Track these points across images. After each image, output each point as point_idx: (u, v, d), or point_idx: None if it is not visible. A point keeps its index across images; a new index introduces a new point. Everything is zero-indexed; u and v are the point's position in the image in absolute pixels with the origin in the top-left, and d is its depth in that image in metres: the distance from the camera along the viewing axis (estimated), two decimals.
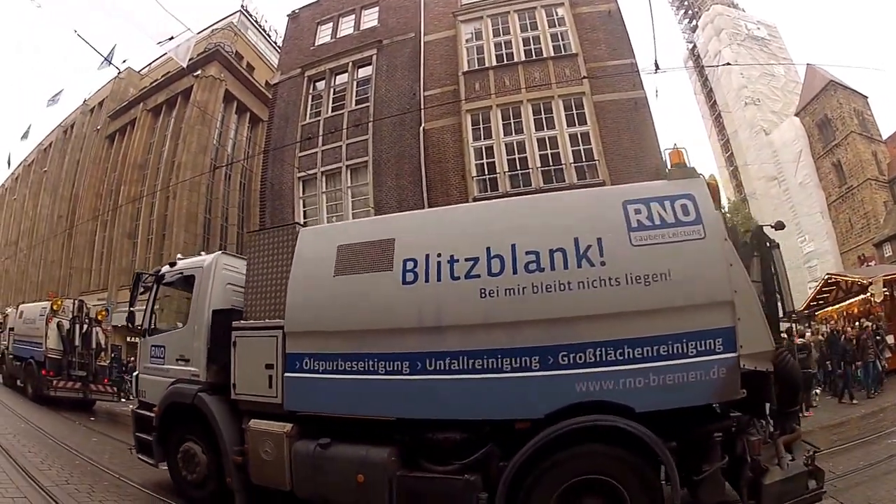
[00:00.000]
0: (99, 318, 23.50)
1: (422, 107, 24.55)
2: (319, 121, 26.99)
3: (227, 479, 8.78)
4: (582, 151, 21.80)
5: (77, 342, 21.75)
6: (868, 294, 24.56)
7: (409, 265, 7.61)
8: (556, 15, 24.67)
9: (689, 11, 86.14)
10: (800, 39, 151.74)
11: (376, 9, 28.98)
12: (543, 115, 22.61)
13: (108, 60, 20.77)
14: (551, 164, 21.73)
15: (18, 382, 22.95)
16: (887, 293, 23.44)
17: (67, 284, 46.45)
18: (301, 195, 26.26)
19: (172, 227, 39.63)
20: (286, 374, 8.28)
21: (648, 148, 22.02)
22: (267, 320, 8.70)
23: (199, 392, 9.29)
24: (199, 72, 40.13)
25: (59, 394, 20.45)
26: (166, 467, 9.89)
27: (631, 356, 6.60)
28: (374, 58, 27.12)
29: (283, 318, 8.46)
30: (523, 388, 6.87)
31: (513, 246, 7.20)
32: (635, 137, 22.12)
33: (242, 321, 9.05)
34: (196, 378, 9.55)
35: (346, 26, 29.43)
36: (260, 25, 55.73)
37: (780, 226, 9.57)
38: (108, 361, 23.99)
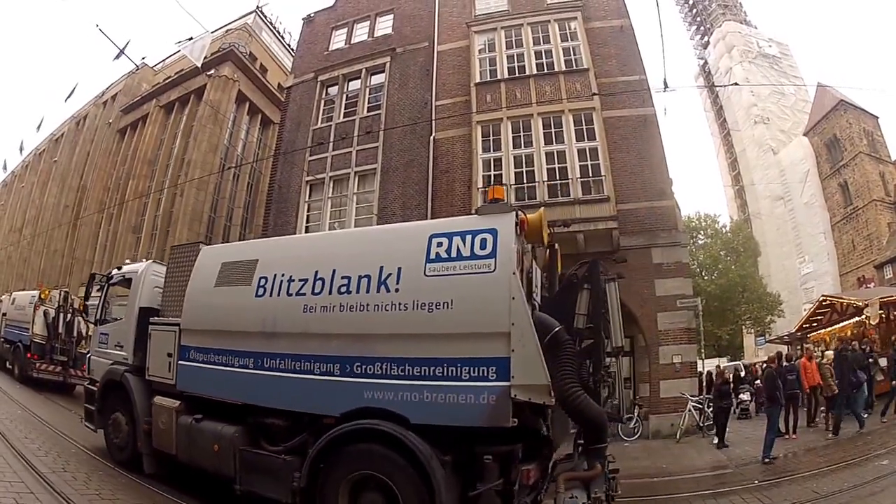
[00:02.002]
0: (81, 308, 24.18)
1: (433, 117, 24.69)
2: (331, 126, 27.13)
3: (138, 443, 10.76)
4: (589, 167, 21.69)
5: (61, 330, 23.18)
6: (863, 316, 24.60)
7: (262, 282, 9.18)
8: (569, 29, 24.59)
9: (702, 28, 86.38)
10: (811, 58, 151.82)
11: (391, 16, 29.13)
12: (553, 129, 22.50)
13: (122, 52, 21.01)
14: (558, 178, 21.70)
15: (7, 364, 24.93)
16: (883, 315, 23.50)
17: (69, 275, 46.66)
18: (307, 199, 26.42)
19: (177, 224, 39.77)
20: (179, 362, 10.15)
21: (656, 165, 22.18)
22: (171, 318, 10.70)
23: (125, 372, 11.44)
24: (212, 71, 40.21)
25: (42, 376, 22.30)
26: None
27: (410, 373, 7.49)
28: (388, 65, 27.28)
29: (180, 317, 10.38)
30: (326, 390, 8.08)
31: (333, 270, 8.41)
32: (643, 154, 22.19)
33: (157, 318, 11.21)
34: (126, 361, 11.67)
35: (361, 32, 29.58)
36: (274, 27, 55.74)
37: (621, 259, 10.06)
38: (88, 349, 24.93)
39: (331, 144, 26.47)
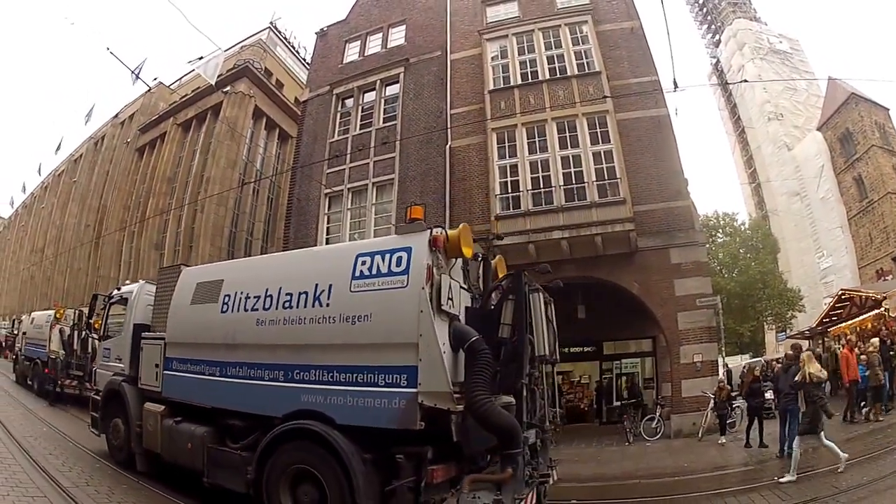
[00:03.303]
0: (96, 326, 24.97)
1: (448, 125, 24.83)
2: (348, 138, 27.34)
3: (132, 444, 12.03)
4: (605, 169, 21.78)
5: (76, 346, 24.07)
6: (882, 309, 24.58)
7: (226, 299, 10.24)
8: (580, 32, 24.63)
9: (712, 26, 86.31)
10: (821, 51, 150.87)
11: (403, 27, 29.34)
12: (568, 134, 22.56)
13: (136, 75, 21.35)
14: (574, 182, 21.76)
15: (28, 380, 26.81)
16: None
17: (93, 293, 46.83)
18: (326, 211, 26.62)
19: (199, 239, 39.83)
20: (164, 371, 11.41)
21: (671, 166, 22.29)
22: (159, 332, 11.86)
23: (122, 382, 12.83)
24: (228, 88, 40.51)
25: (59, 390, 23.38)
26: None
27: (337, 379, 8.44)
28: (402, 76, 27.46)
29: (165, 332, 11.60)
30: (273, 393, 9.12)
31: (279, 288, 9.40)
32: (658, 155, 22.25)
33: (148, 333, 12.47)
34: (124, 372, 13.05)
35: (374, 44, 29.83)
36: (289, 42, 55.88)
37: (544, 269, 10.54)
38: None
39: (348, 156, 26.71)
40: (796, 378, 13.34)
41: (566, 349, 27.16)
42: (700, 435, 18.97)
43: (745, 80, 57.22)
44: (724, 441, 17.86)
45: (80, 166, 61.86)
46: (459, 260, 9.07)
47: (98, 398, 13.78)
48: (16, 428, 15.68)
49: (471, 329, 8.34)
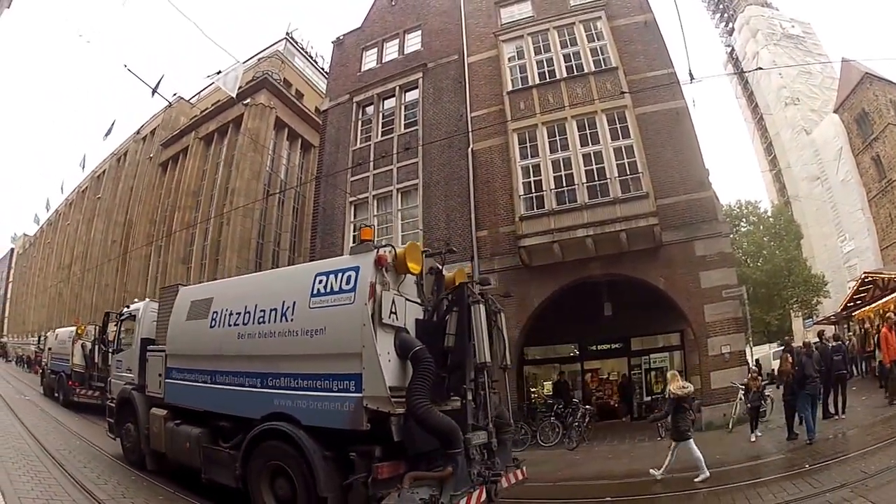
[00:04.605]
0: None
1: (469, 128, 24.93)
2: (370, 145, 27.66)
3: (142, 445, 13.41)
4: (626, 165, 21.80)
5: (97, 360, 25.10)
6: None
7: (214, 315, 11.51)
8: (595, 29, 24.67)
9: (725, 15, 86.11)
10: (833, 33, 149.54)
11: (419, 33, 29.50)
12: (588, 131, 22.60)
13: (155, 91, 21.66)
14: (596, 179, 21.83)
15: (55, 393, 28.49)
16: None
17: (122, 307, 47.10)
18: (352, 219, 26.85)
19: (226, 252, 39.99)
20: (165, 380, 12.72)
21: (691, 158, 22.28)
22: (161, 345, 13.24)
23: (132, 390, 14.28)
24: (248, 100, 40.67)
25: (81, 399, 25.48)
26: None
27: (301, 385, 9.53)
28: (420, 81, 27.66)
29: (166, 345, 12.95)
30: (251, 398, 10.22)
31: (256, 305, 10.57)
32: (678, 148, 22.25)
33: (153, 346, 13.90)
34: (134, 381, 14.49)
35: (391, 51, 30.06)
36: (306, 52, 56.28)
37: (485, 282, 11.44)
38: None
39: (371, 164, 27.00)
40: (666, 394, 13.95)
41: (594, 347, 27.47)
42: (730, 426, 18.93)
43: (760, 68, 56.93)
44: (759, 434, 17.47)
45: (103, 182, 62.67)
46: (412, 275, 9.98)
47: (113, 405, 15.31)
48: (49, 441, 16.10)
49: (415, 340, 9.34)
